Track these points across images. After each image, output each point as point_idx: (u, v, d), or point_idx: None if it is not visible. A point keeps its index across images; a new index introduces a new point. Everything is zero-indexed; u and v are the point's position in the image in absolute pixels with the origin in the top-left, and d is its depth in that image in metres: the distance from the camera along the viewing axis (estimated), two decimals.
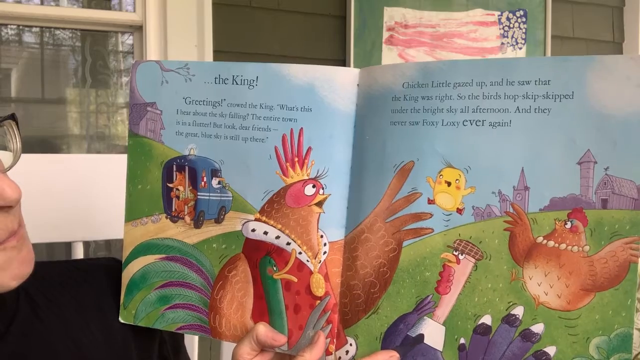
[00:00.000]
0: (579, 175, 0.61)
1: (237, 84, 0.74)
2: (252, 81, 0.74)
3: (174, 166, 0.78)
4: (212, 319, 0.77)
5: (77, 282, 0.84)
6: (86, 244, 1.30)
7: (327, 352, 0.72)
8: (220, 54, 2.26)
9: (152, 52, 2.26)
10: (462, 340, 0.66)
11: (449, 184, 0.66)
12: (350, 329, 0.71)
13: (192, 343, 1.19)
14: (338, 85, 0.71)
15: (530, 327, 0.63)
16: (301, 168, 0.72)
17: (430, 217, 0.67)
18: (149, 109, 0.79)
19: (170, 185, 0.78)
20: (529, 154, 0.62)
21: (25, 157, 1.07)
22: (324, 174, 0.71)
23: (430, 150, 0.66)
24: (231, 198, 0.75)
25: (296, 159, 0.72)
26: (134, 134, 0.80)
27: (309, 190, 0.72)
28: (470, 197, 0.65)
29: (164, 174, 0.78)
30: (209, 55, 2.23)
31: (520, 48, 2.65)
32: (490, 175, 0.64)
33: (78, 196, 1.13)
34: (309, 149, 0.72)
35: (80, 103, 2.40)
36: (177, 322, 0.79)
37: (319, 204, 0.72)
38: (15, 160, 0.69)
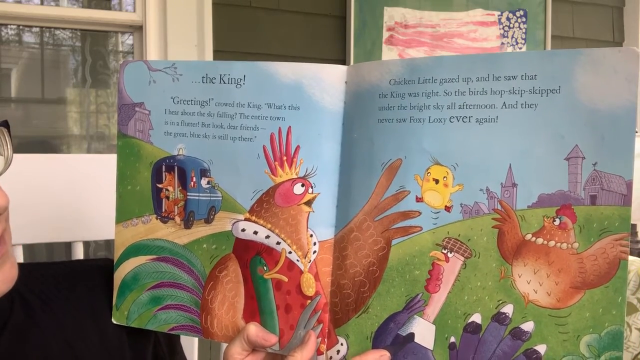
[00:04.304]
0: (567, 171, 0.60)
1: (224, 83, 0.74)
2: (239, 80, 0.73)
3: (163, 166, 0.77)
4: (203, 319, 0.77)
5: (71, 283, 0.84)
6: (86, 244, 1.30)
7: (319, 352, 0.71)
8: (220, 54, 2.27)
9: (152, 52, 2.26)
10: (452, 339, 0.66)
11: (436, 181, 0.65)
12: (341, 329, 0.71)
13: (192, 343, 1.18)
14: (326, 83, 0.71)
15: (520, 326, 0.63)
16: (290, 167, 0.72)
17: (419, 215, 0.67)
18: (137, 109, 0.78)
19: (160, 185, 0.78)
20: (516, 150, 0.62)
21: (25, 157, 1.07)
22: (312, 173, 0.71)
23: (418, 147, 0.66)
24: (221, 198, 0.75)
25: (285, 158, 0.72)
26: (123, 135, 0.79)
27: (298, 189, 0.71)
28: (458, 194, 0.65)
29: (154, 174, 0.78)
30: (209, 55, 2.24)
31: (520, 48, 2.64)
32: (478, 172, 0.64)
33: (78, 196, 1.13)
34: (298, 147, 0.71)
35: (80, 103, 2.40)
36: (169, 323, 0.79)
37: (308, 203, 0.71)
38: (6, 167, 0.68)
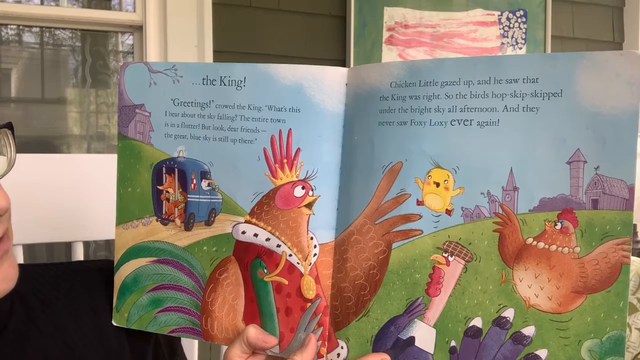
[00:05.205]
0: (569, 175, 0.60)
1: (225, 85, 0.74)
2: (240, 82, 0.73)
3: (164, 168, 0.77)
4: (204, 321, 0.77)
5: (71, 284, 0.84)
6: (86, 244, 1.30)
7: (319, 355, 0.71)
8: (220, 54, 2.26)
9: (152, 52, 2.26)
10: (452, 343, 0.66)
11: (437, 184, 0.65)
12: (342, 332, 0.71)
13: (192, 344, 1.19)
14: (326, 85, 0.70)
15: (521, 330, 0.63)
16: (290, 169, 0.71)
17: (420, 219, 0.66)
18: (137, 111, 0.78)
19: (160, 187, 0.78)
20: (518, 153, 0.62)
21: (26, 157, 1.07)
22: (313, 175, 0.71)
23: (419, 150, 0.66)
24: (221, 200, 0.75)
25: (285, 161, 0.71)
26: (123, 137, 0.79)
27: (298, 191, 0.71)
28: (459, 198, 0.64)
29: (154, 176, 0.78)
30: (209, 56, 2.23)
31: (520, 48, 2.64)
32: (479, 175, 0.63)
33: (78, 196, 1.13)
34: (298, 150, 0.71)
35: (80, 103, 2.40)
36: (169, 325, 0.79)
37: (309, 205, 0.71)
38: (9, 168, 0.68)
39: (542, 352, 0.62)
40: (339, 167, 0.71)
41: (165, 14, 2.23)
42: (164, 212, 0.78)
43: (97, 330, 0.81)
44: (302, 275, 0.71)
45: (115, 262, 0.82)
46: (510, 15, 2.62)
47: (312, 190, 0.71)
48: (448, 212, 0.65)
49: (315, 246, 0.71)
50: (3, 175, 0.67)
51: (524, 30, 2.64)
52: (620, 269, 0.59)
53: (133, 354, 0.84)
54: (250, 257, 0.74)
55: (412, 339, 0.67)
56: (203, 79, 0.75)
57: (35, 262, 0.89)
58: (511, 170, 0.62)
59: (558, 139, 0.60)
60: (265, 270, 0.73)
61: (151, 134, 0.78)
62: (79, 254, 1.16)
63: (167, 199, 0.78)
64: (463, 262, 0.65)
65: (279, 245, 0.72)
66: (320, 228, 0.71)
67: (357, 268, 0.69)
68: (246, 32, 2.33)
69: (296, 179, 0.71)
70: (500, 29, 2.62)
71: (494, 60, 0.63)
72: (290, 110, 0.71)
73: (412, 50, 2.50)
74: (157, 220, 0.79)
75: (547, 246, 0.61)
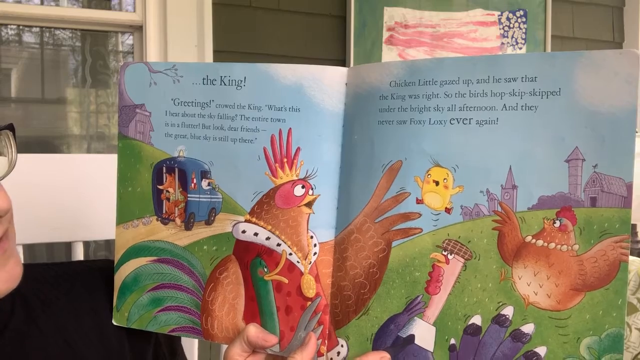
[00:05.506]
0: (568, 173, 0.60)
1: (225, 84, 0.74)
2: (240, 82, 0.73)
3: (164, 168, 0.77)
4: (204, 320, 0.77)
5: (72, 284, 0.84)
6: (86, 244, 1.30)
7: (319, 354, 0.71)
8: (220, 54, 2.27)
9: (152, 52, 2.26)
10: (452, 341, 0.66)
11: (437, 183, 0.65)
12: (342, 330, 0.71)
13: (192, 343, 1.19)
14: (326, 84, 0.71)
15: (521, 328, 0.63)
16: (290, 169, 0.71)
17: (419, 217, 0.67)
18: (137, 110, 0.78)
19: (161, 187, 0.78)
20: (517, 152, 0.62)
21: (26, 157, 1.07)
22: (313, 175, 0.71)
23: (418, 149, 0.66)
24: (221, 199, 0.75)
25: (285, 160, 0.72)
26: (124, 136, 0.80)
27: (298, 190, 0.71)
28: (459, 196, 0.65)
29: (154, 176, 0.78)
30: (209, 56, 2.24)
31: (520, 48, 2.64)
32: (478, 174, 0.64)
33: (78, 196, 1.13)
34: (298, 149, 0.71)
35: (80, 103, 2.40)
36: (169, 325, 0.79)
37: (309, 204, 0.71)
38: (10, 170, 0.69)
39: (541, 350, 0.62)
40: (339, 166, 0.72)
41: (165, 14, 2.23)
42: (164, 212, 0.78)
43: (97, 330, 0.81)
44: (302, 274, 0.71)
45: (116, 262, 0.82)
46: (510, 15, 2.63)
47: (312, 189, 0.71)
48: (447, 210, 0.65)
49: (315, 245, 0.71)
50: (4, 177, 0.67)
51: (524, 30, 2.65)
52: (619, 267, 0.59)
53: (133, 353, 0.84)
54: (251, 256, 0.74)
55: (411, 337, 0.67)
56: (203, 78, 0.75)
57: (35, 262, 0.90)
58: (510, 168, 0.62)
59: (557, 137, 0.60)
60: (266, 269, 0.73)
61: (151, 133, 0.78)
62: (79, 254, 1.16)
63: (168, 199, 0.78)
64: (462, 260, 0.65)
65: (279, 244, 0.72)
66: (320, 227, 0.71)
67: (357, 266, 0.69)
68: (246, 32, 2.33)
69: (296, 178, 0.71)
70: (500, 29, 2.62)
71: (493, 59, 0.63)
72: (290, 109, 0.71)
73: (412, 50, 2.50)
74: (157, 220, 0.79)
75: (546, 244, 0.61)
